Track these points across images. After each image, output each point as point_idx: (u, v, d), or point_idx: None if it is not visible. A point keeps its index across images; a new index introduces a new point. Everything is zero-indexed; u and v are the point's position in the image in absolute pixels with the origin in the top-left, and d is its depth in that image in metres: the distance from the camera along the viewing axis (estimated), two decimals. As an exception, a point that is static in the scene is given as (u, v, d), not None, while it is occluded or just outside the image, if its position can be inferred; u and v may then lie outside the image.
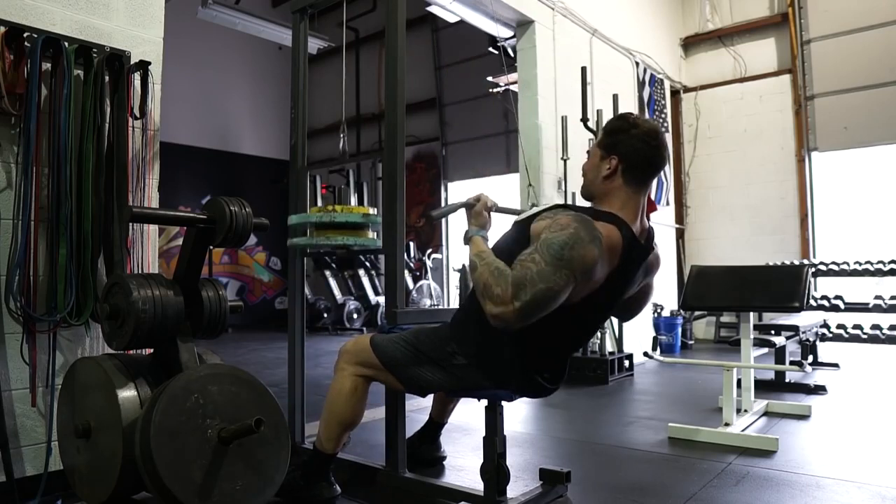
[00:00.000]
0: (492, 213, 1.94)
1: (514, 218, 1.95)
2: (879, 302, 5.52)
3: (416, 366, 1.94)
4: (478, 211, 1.90)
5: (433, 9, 5.33)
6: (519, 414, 3.60)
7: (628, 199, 1.76)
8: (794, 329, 4.13)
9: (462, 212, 1.99)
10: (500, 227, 1.95)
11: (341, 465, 2.25)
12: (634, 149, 1.74)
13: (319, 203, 9.40)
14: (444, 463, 2.62)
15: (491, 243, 1.85)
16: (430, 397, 2.53)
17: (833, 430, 3.20)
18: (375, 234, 2.41)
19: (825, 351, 5.53)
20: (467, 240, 1.84)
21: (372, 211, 2.37)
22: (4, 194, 2.09)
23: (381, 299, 8.99)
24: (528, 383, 1.87)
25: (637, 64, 6.31)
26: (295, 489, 2.06)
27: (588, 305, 1.74)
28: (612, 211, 1.73)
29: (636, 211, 1.76)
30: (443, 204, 9.49)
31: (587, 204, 1.88)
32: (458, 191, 9.44)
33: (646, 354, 3.85)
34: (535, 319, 1.60)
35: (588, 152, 1.88)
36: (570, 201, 4.75)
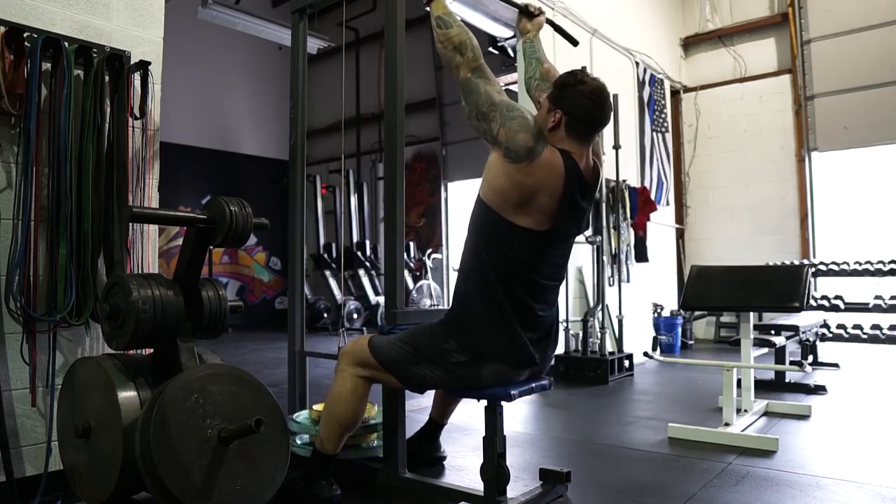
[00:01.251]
0: None
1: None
2: (879, 302, 5.52)
3: (415, 364, 1.96)
4: None
5: (433, 9, 5.32)
6: (519, 414, 3.60)
7: (572, 150, 1.88)
8: (794, 329, 4.13)
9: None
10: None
11: (341, 466, 2.25)
12: (578, 104, 1.87)
13: (319, 203, 9.42)
14: (444, 463, 2.62)
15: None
16: (431, 398, 2.54)
17: (833, 430, 3.20)
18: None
19: (825, 351, 5.52)
20: (428, 2, 2.03)
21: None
22: (4, 194, 2.09)
23: (381, 299, 8.99)
24: (517, 346, 1.89)
25: (637, 64, 6.31)
26: (295, 490, 2.06)
27: (550, 237, 1.86)
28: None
29: (580, 159, 1.89)
30: (443, 204, 9.50)
31: None
32: (458, 191, 9.44)
33: (646, 354, 3.85)
34: (469, 100, 1.90)
35: (538, 102, 2.04)
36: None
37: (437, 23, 1.98)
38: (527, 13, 2.39)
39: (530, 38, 2.45)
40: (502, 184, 1.84)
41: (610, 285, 5.28)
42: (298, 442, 2.42)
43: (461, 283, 1.99)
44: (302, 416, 2.51)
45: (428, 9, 2.03)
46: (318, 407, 2.40)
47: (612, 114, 1.97)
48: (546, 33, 5.12)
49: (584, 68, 2.06)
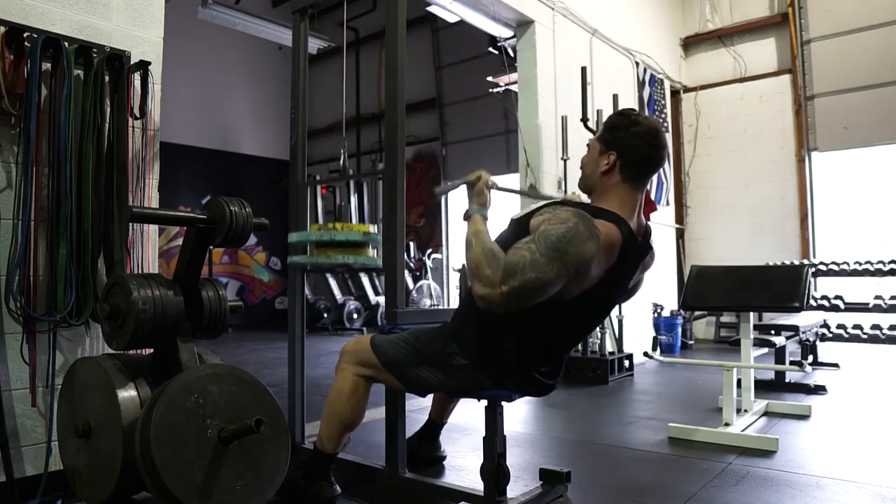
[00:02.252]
0: (492, 192, 1.93)
1: (513, 209, 1.96)
2: (879, 302, 5.52)
3: (416, 366, 1.94)
4: (479, 189, 1.89)
5: (433, 9, 5.32)
6: (519, 414, 3.60)
7: (626, 196, 1.76)
8: (794, 329, 4.13)
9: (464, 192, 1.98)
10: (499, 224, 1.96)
11: (341, 465, 2.25)
12: (634, 146, 1.74)
13: (319, 203, 9.41)
14: (444, 463, 2.62)
15: (489, 226, 1.84)
16: (430, 397, 2.53)
17: (833, 430, 3.20)
18: (375, 251, 2.40)
19: (825, 351, 5.53)
20: (467, 217, 1.85)
21: (372, 229, 2.36)
22: (4, 194, 2.09)
23: (381, 299, 8.98)
24: (527, 381, 1.87)
25: (637, 64, 6.31)
26: (295, 489, 2.06)
27: (585, 302, 1.75)
28: (610, 209, 1.73)
29: (633, 208, 1.77)
30: (443, 206, 9.50)
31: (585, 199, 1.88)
32: (458, 190, 9.43)
33: (646, 354, 3.85)
34: (519, 307, 1.62)
35: (588, 145, 1.88)
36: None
37: (465, 244, 1.77)
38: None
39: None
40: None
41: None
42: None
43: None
44: None
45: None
46: None
47: (667, 154, 1.85)
48: (546, 33, 5.12)
49: (632, 110, 1.87)
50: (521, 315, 1.73)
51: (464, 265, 1.77)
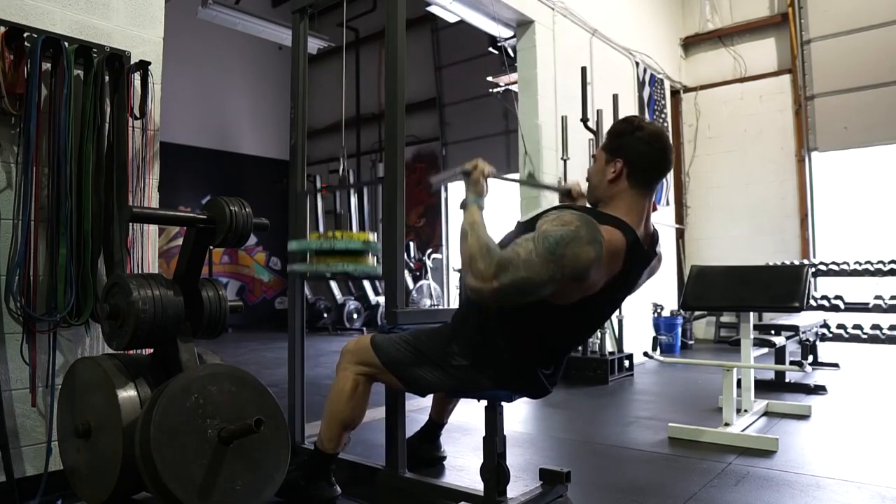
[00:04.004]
0: (489, 181, 1.91)
1: (512, 202, 1.94)
2: (879, 302, 5.52)
3: (416, 366, 1.94)
4: (475, 178, 1.87)
5: (433, 9, 5.32)
6: (519, 414, 3.60)
7: (634, 203, 1.74)
8: (794, 329, 4.13)
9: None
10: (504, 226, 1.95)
11: (341, 465, 2.25)
12: (640, 151, 1.72)
13: (319, 204, 9.42)
14: (444, 463, 2.62)
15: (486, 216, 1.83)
16: (431, 397, 2.53)
17: (833, 430, 3.20)
18: (375, 259, 2.40)
19: (825, 351, 5.53)
20: (463, 206, 1.83)
21: (372, 237, 2.35)
22: (4, 194, 2.09)
23: (381, 299, 8.98)
24: (526, 383, 1.87)
25: (637, 64, 6.31)
26: (295, 489, 2.06)
27: (587, 307, 1.74)
28: (617, 215, 1.72)
29: (641, 214, 1.75)
30: (443, 205, 9.50)
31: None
32: (458, 190, 9.44)
33: (646, 354, 3.85)
34: (510, 303, 1.64)
35: (593, 157, 1.86)
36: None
37: (461, 233, 1.76)
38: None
39: None
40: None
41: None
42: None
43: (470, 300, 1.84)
44: None
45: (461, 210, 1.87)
46: None
47: (673, 158, 1.80)
48: (546, 33, 5.12)
49: (635, 117, 1.86)
50: (521, 318, 1.73)
51: (459, 256, 1.75)
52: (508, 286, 1.57)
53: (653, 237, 1.82)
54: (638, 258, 1.73)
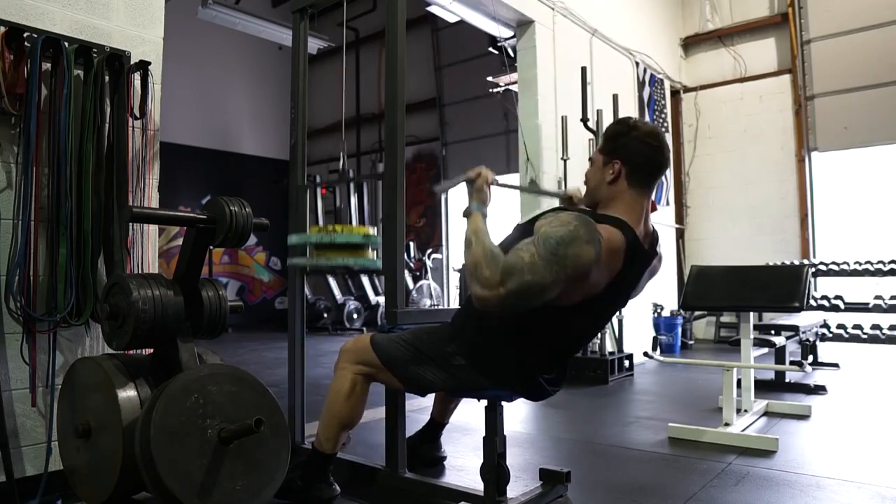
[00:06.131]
0: (492, 188, 1.91)
1: (513, 208, 1.94)
2: (879, 302, 5.52)
3: (416, 365, 1.94)
4: (478, 186, 1.87)
5: (433, 9, 5.33)
6: (519, 414, 3.60)
7: (633, 203, 1.75)
8: (794, 329, 4.13)
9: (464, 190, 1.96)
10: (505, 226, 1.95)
11: (341, 465, 2.25)
12: (636, 151, 1.73)
13: (319, 204, 9.41)
14: (444, 463, 2.62)
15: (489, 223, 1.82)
16: (432, 397, 2.53)
17: (833, 430, 3.20)
18: (375, 253, 2.40)
19: (825, 351, 5.52)
20: (466, 214, 1.83)
21: (372, 231, 2.36)
22: (4, 194, 2.09)
23: (381, 299, 8.98)
24: (528, 384, 1.87)
25: (637, 64, 6.31)
26: (294, 489, 2.05)
27: (590, 308, 1.74)
28: (616, 215, 1.72)
29: (640, 214, 1.75)
30: (443, 205, 9.50)
31: None
32: (458, 190, 9.43)
33: (646, 354, 3.85)
34: (517, 309, 1.63)
35: (590, 160, 1.87)
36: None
37: (465, 242, 1.75)
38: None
39: None
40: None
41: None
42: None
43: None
44: None
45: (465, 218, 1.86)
46: None
47: (670, 156, 1.81)
48: (546, 33, 5.12)
49: (630, 118, 1.87)
50: (523, 320, 1.73)
51: (464, 265, 1.75)
52: (515, 292, 1.56)
53: (653, 237, 1.82)
54: (638, 257, 1.73)
